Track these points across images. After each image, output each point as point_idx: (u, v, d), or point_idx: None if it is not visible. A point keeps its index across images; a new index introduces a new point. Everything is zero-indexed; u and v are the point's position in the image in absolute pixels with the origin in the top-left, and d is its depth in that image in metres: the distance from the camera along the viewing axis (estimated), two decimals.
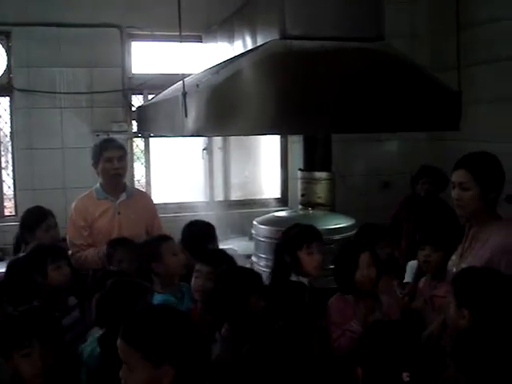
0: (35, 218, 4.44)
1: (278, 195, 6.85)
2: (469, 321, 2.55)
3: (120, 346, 2.15)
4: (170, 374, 2.09)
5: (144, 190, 5.06)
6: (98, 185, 4.62)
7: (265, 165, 6.90)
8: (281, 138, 6.77)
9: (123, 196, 4.59)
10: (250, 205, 6.49)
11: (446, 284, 3.26)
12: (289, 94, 3.66)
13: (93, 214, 4.50)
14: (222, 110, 3.59)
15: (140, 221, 4.58)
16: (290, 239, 3.66)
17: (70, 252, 4.41)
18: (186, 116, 3.58)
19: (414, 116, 3.92)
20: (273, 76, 3.72)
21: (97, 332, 3.07)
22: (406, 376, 2.22)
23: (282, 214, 4.98)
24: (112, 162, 4.50)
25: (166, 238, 3.87)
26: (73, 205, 4.62)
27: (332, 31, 3.95)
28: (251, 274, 3.26)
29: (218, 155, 6.64)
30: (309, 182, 4.99)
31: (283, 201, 6.78)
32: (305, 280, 3.57)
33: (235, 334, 2.95)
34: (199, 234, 4.22)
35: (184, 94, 3.58)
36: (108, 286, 3.09)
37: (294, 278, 3.55)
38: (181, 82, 3.70)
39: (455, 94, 4.02)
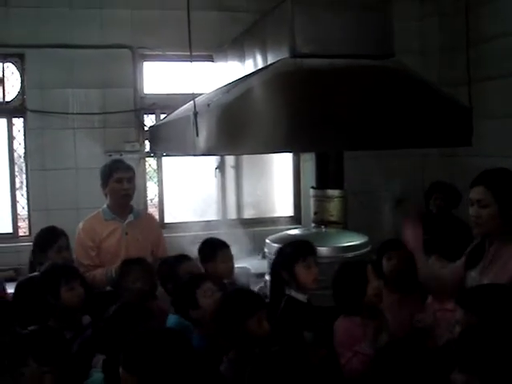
0: (47, 239, 4.45)
1: (290, 213, 6.84)
2: None
3: (121, 374, 2.16)
4: None
5: (150, 211, 5.07)
6: (105, 206, 4.66)
7: (277, 183, 6.90)
8: (293, 156, 6.77)
9: (130, 217, 4.62)
10: (262, 223, 6.47)
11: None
12: (300, 112, 3.67)
13: (100, 235, 4.53)
14: (233, 128, 3.60)
15: (146, 242, 4.62)
16: (286, 255, 3.68)
17: None
18: (198, 135, 3.60)
19: (425, 132, 3.92)
20: (283, 94, 3.73)
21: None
22: None
23: (295, 232, 4.96)
24: (122, 182, 4.55)
25: (185, 258, 3.89)
26: (80, 225, 4.64)
27: (342, 49, 3.97)
28: (250, 296, 3.24)
29: (230, 174, 6.66)
30: (321, 200, 4.99)
31: (296, 219, 6.77)
32: (303, 297, 3.58)
33: (240, 356, 2.93)
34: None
35: (195, 114, 3.60)
36: (110, 312, 3.09)
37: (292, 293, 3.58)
38: (192, 101, 3.72)
39: (466, 109, 4.02)
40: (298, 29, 3.93)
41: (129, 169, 4.66)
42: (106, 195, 4.65)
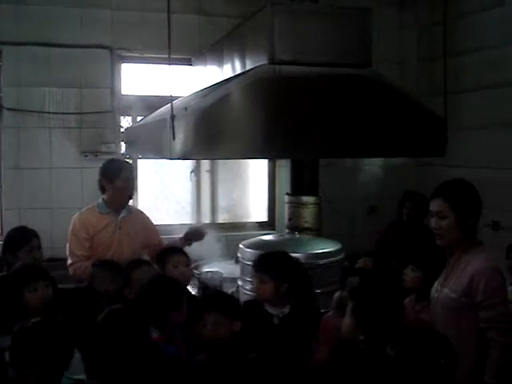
0: (18, 239, 4.40)
1: (265, 219, 6.86)
2: None
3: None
4: None
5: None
6: (100, 200, 4.73)
7: (252, 188, 6.91)
8: (268, 161, 6.79)
9: (124, 212, 4.74)
10: (236, 228, 6.48)
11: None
12: (277, 119, 3.68)
13: (95, 227, 4.63)
14: (210, 133, 3.60)
15: (138, 237, 4.74)
16: None
17: (69, 261, 4.56)
18: (174, 139, 3.59)
19: (400, 142, 3.96)
20: (261, 100, 3.75)
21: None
22: None
23: (269, 237, 4.96)
24: (128, 182, 4.70)
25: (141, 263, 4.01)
26: (75, 217, 4.70)
27: (320, 57, 4.01)
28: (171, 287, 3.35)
29: (205, 178, 6.65)
30: (296, 207, 5.00)
31: (270, 224, 6.79)
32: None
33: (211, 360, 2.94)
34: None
35: (172, 117, 3.59)
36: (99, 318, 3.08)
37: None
38: (169, 104, 3.72)
39: (441, 120, 4.07)
40: (277, 35, 3.96)
41: (132, 169, 4.92)
42: (102, 189, 4.73)
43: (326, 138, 3.82)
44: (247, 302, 3.82)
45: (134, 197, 6.15)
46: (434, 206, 3.20)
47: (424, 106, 4.16)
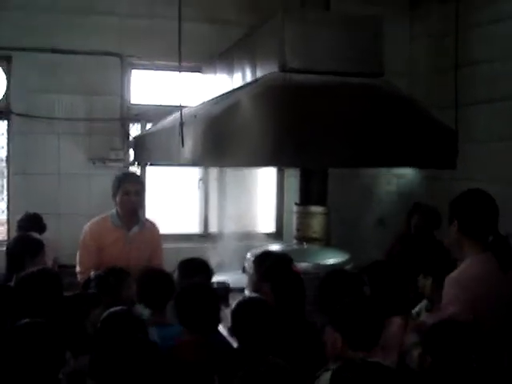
0: (23, 250, 4.35)
1: (272, 229, 6.83)
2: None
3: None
4: None
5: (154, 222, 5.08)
6: (114, 211, 4.69)
7: (260, 198, 6.88)
8: (277, 171, 6.77)
9: (136, 228, 4.69)
10: (244, 238, 6.44)
11: None
12: (287, 127, 3.64)
13: (106, 240, 4.61)
14: (219, 140, 3.57)
15: (146, 251, 4.69)
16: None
17: (78, 269, 4.60)
18: (183, 146, 3.58)
19: (410, 153, 3.91)
20: (271, 109, 3.71)
21: None
22: None
23: (276, 247, 4.94)
24: (129, 195, 4.61)
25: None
26: (86, 227, 4.68)
27: (331, 65, 3.99)
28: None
29: (213, 186, 6.63)
30: (304, 217, 4.98)
31: (278, 235, 6.75)
32: None
33: None
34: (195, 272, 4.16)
35: (181, 124, 3.58)
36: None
37: None
38: (178, 112, 3.70)
39: (452, 132, 4.03)
40: (288, 43, 3.94)
41: (138, 182, 4.77)
42: (115, 205, 4.70)
43: (335, 148, 3.77)
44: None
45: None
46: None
47: (435, 117, 4.12)
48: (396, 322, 3.36)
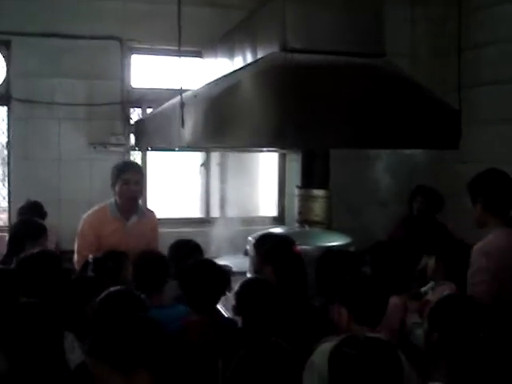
0: (25, 233, 4.34)
1: (274, 213, 6.81)
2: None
3: (89, 363, 2.11)
4: (146, 379, 2.04)
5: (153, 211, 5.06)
6: (112, 200, 4.66)
7: (262, 183, 6.87)
8: (278, 156, 6.75)
9: (134, 218, 4.67)
10: (246, 222, 6.42)
11: None
12: (288, 107, 3.62)
13: (104, 231, 4.57)
14: (220, 121, 3.56)
15: (144, 240, 4.61)
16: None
17: (75, 258, 4.57)
18: (183, 126, 3.56)
19: (413, 133, 3.89)
20: (272, 88, 3.69)
21: None
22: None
23: (278, 230, 4.92)
24: (129, 184, 4.57)
25: None
26: (85, 217, 4.66)
27: (332, 45, 3.94)
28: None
29: (215, 171, 6.61)
30: (306, 200, 4.97)
31: (280, 219, 6.72)
32: None
33: None
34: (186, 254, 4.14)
35: (182, 105, 3.55)
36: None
37: None
38: (179, 96, 3.67)
39: (455, 112, 4.00)
40: (290, 23, 3.90)
41: (137, 171, 4.72)
42: (114, 194, 4.67)
43: (337, 129, 3.75)
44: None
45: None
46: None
47: (438, 97, 4.08)
48: (392, 301, 3.34)
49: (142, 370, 2.06)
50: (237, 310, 3.27)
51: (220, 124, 3.54)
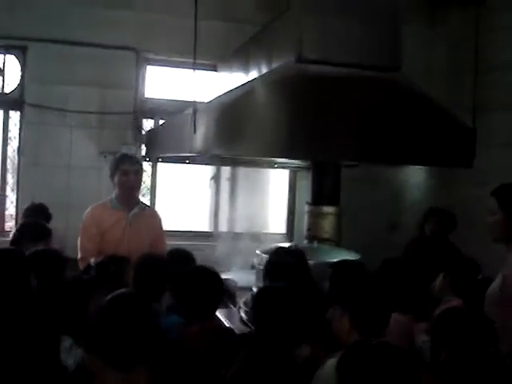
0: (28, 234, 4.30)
1: (283, 230, 6.75)
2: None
3: (87, 360, 2.07)
4: (144, 376, 1.99)
5: (154, 209, 5.05)
6: (113, 195, 4.69)
7: (272, 199, 6.82)
8: (289, 173, 6.72)
9: (136, 209, 4.67)
10: (254, 238, 6.36)
11: None
12: (301, 118, 3.60)
13: (106, 223, 4.59)
14: (232, 128, 3.54)
15: (147, 235, 4.65)
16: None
17: (79, 255, 4.54)
18: (195, 132, 3.53)
19: (426, 150, 3.85)
20: (286, 98, 3.67)
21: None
22: None
23: (287, 244, 4.85)
24: (127, 175, 4.58)
25: None
26: (87, 211, 4.69)
27: (348, 57, 3.92)
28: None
29: (225, 186, 6.58)
30: (316, 216, 4.90)
31: (289, 236, 6.67)
32: None
33: None
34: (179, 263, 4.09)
35: (194, 111, 3.53)
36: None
37: None
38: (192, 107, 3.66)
39: (470, 130, 3.95)
40: (305, 34, 3.88)
41: (136, 162, 4.73)
42: (114, 186, 4.70)
43: (349, 142, 3.72)
44: None
45: (150, 200, 6.18)
46: (488, 204, 3.34)
47: (453, 115, 4.04)
48: (396, 318, 3.27)
49: (139, 367, 2.01)
50: (253, 316, 3.19)
51: (232, 131, 3.52)
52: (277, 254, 3.90)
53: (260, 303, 3.14)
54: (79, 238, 4.62)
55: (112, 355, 2.04)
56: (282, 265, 3.69)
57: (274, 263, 3.75)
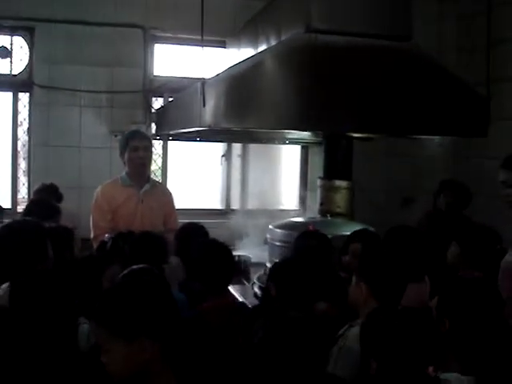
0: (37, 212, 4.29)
1: (296, 207, 6.71)
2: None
3: (93, 329, 2.05)
4: (149, 348, 1.97)
5: (165, 186, 5.08)
6: (123, 173, 4.71)
7: (284, 175, 6.79)
8: (301, 149, 6.67)
9: (147, 186, 4.69)
10: (266, 214, 6.33)
11: None
12: (311, 89, 3.58)
13: (117, 200, 4.62)
14: (241, 101, 3.52)
15: (159, 211, 4.71)
16: None
17: (92, 234, 4.58)
18: (204, 105, 3.49)
19: (440, 119, 3.81)
20: (295, 69, 3.63)
21: None
22: (431, 371, 2.05)
23: (300, 219, 4.83)
24: (137, 151, 4.60)
25: None
26: (98, 189, 4.71)
27: (359, 27, 3.86)
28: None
29: (236, 163, 6.56)
30: (328, 190, 4.85)
31: (301, 212, 6.62)
32: None
33: None
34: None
35: (203, 83, 3.50)
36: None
37: None
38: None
39: (484, 99, 3.89)
40: (313, 4, 3.83)
41: (145, 138, 4.75)
42: (124, 163, 4.71)
43: (361, 112, 3.69)
44: None
45: (161, 179, 6.16)
46: (502, 175, 3.25)
47: (466, 83, 3.98)
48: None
49: (143, 338, 1.99)
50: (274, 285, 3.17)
51: (241, 104, 3.50)
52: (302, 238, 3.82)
53: (279, 269, 3.19)
54: (91, 217, 4.63)
55: (114, 322, 2.02)
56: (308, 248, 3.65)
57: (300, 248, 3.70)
